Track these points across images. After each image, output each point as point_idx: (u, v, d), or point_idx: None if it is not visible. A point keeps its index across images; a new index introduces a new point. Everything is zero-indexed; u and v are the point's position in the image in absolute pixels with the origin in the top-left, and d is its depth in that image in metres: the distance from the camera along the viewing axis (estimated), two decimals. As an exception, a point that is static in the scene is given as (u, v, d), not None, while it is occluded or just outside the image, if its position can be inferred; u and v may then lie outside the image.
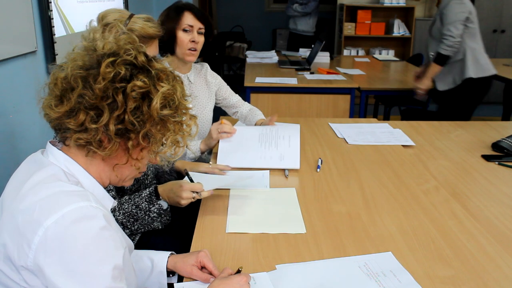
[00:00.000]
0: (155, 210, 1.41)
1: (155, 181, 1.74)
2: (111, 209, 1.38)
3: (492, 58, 5.35)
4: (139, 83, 0.91)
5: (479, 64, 3.11)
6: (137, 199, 1.43)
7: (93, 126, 0.90)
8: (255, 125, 2.17)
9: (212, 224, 1.42)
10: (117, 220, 1.40)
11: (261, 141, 1.92)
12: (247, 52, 4.99)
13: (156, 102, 0.92)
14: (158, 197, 1.42)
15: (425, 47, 3.22)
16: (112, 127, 0.90)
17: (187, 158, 1.97)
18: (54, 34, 2.30)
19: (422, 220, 1.46)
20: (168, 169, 1.82)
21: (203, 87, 2.15)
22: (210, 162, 1.79)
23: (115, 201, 1.05)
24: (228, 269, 1.13)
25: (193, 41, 1.94)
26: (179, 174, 1.81)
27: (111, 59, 0.91)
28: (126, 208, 1.42)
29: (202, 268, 1.18)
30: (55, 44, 2.29)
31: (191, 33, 1.93)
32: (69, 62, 0.94)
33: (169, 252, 1.24)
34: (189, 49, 1.95)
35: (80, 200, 0.87)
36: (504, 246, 1.32)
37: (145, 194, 1.43)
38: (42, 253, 0.83)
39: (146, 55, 0.96)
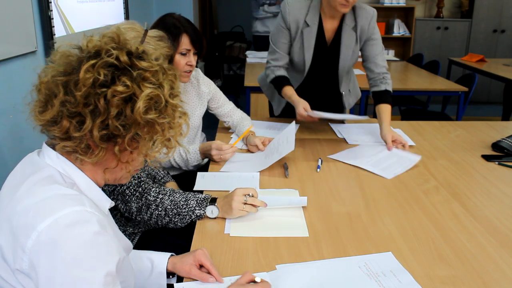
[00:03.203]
0: (198, 213, 1.42)
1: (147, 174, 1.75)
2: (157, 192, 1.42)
3: (492, 58, 5.39)
4: (120, 88, 0.87)
5: None
6: (190, 195, 1.46)
7: (77, 134, 0.88)
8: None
9: (212, 224, 1.42)
10: (163, 204, 1.43)
11: (266, 154, 1.97)
12: (247, 52, 4.99)
13: (139, 106, 0.88)
14: (212, 203, 1.43)
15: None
16: (96, 133, 0.87)
17: (191, 166, 1.98)
18: (54, 34, 2.31)
19: (422, 220, 1.46)
20: (162, 168, 1.83)
21: (193, 94, 2.14)
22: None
23: (112, 202, 1.03)
24: (249, 273, 1.10)
25: (189, 65, 1.93)
26: (175, 174, 1.82)
27: (91, 62, 0.87)
28: (176, 198, 1.45)
29: (201, 267, 1.18)
30: (55, 44, 2.30)
31: (187, 56, 1.92)
32: (52, 65, 0.92)
33: (170, 254, 1.24)
34: (185, 71, 1.94)
35: (74, 204, 0.86)
36: (504, 246, 1.32)
37: (199, 196, 1.46)
38: (36, 257, 0.82)
39: (129, 54, 0.91)
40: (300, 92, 2.24)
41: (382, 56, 2.27)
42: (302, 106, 2.07)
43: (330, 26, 2.21)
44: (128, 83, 0.88)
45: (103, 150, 0.91)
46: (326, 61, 2.28)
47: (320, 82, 2.36)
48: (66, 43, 0.94)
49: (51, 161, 0.94)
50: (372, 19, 2.19)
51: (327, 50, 2.25)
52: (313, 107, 2.10)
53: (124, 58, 0.89)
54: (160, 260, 1.22)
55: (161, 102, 0.91)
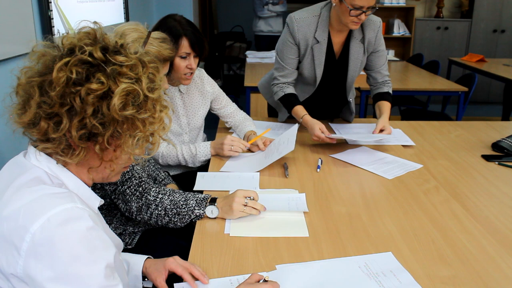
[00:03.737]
0: (197, 213, 1.42)
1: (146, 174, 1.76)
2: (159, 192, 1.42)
3: (492, 58, 5.39)
4: (94, 85, 0.84)
5: None
6: (189, 195, 1.46)
7: (55, 135, 0.86)
8: (244, 137, 2.16)
9: (212, 224, 1.42)
10: (163, 204, 1.42)
11: (266, 154, 1.97)
12: (247, 52, 4.98)
13: (115, 103, 0.85)
14: (212, 203, 1.43)
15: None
16: (74, 133, 0.85)
17: (198, 162, 1.98)
18: (54, 34, 2.30)
19: (422, 220, 1.46)
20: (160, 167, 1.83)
21: (196, 95, 2.14)
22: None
23: (102, 200, 1.02)
24: (256, 275, 1.09)
25: (190, 68, 1.92)
26: (175, 174, 1.82)
27: (64, 60, 0.85)
28: (176, 198, 1.45)
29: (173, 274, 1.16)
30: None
31: (188, 59, 1.91)
32: (29, 66, 0.90)
33: (146, 256, 1.22)
34: (185, 74, 1.94)
35: (64, 202, 0.85)
36: (504, 246, 1.32)
37: (199, 196, 1.46)
38: (33, 259, 0.81)
39: (104, 49, 0.88)
40: (310, 102, 2.27)
41: (386, 66, 2.32)
42: (318, 127, 2.04)
43: (338, 40, 2.20)
44: (103, 79, 0.85)
45: (83, 150, 0.89)
46: (335, 74, 2.28)
47: (329, 93, 2.35)
48: (41, 42, 0.93)
49: (37, 162, 0.92)
50: (379, 30, 2.20)
51: (336, 63, 2.24)
52: (322, 116, 2.10)
53: (98, 54, 0.87)
54: (135, 262, 1.20)
55: (139, 96, 0.88)
